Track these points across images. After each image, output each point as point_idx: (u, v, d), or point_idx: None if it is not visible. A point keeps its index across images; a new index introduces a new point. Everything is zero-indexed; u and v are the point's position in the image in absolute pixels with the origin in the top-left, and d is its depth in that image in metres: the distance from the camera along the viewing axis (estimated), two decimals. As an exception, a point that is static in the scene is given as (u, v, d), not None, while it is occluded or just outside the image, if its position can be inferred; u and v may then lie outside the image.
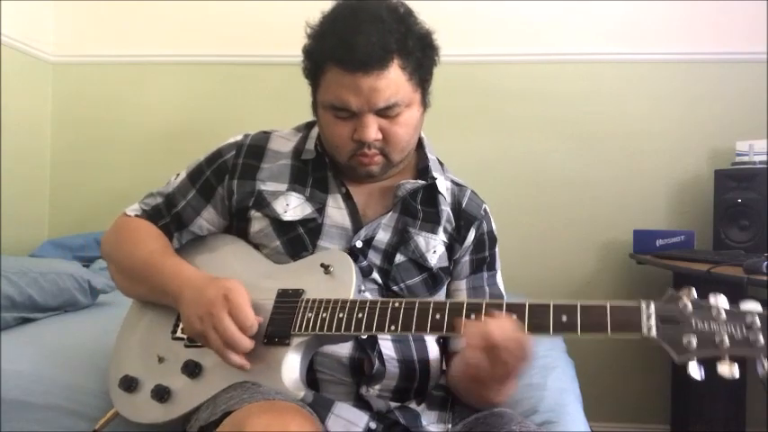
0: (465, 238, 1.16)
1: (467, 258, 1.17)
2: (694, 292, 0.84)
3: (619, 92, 2.36)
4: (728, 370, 0.80)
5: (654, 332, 0.82)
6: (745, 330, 0.80)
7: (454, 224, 1.16)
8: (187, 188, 1.19)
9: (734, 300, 0.84)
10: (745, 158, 2.11)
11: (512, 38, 2.40)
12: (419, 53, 1.08)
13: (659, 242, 2.15)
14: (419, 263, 1.11)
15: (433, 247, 1.13)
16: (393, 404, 1.07)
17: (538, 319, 0.88)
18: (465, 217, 1.17)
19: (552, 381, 1.38)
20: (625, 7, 2.36)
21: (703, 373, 0.81)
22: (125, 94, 2.54)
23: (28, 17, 2.41)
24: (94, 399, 1.28)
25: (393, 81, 1.03)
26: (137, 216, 1.20)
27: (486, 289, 1.18)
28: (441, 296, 1.16)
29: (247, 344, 0.96)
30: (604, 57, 2.36)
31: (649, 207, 2.34)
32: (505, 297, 1.20)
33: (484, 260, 1.19)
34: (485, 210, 1.21)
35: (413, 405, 1.08)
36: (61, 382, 1.34)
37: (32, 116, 2.49)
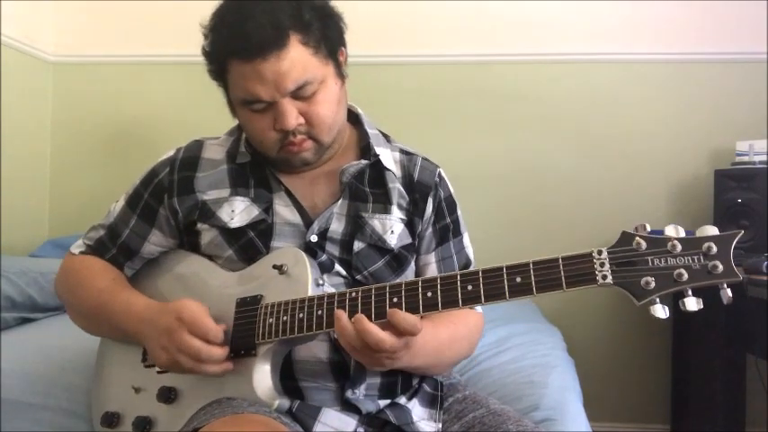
0: (424, 210, 1.12)
1: (430, 231, 1.13)
2: (648, 227, 0.80)
3: (619, 92, 2.36)
4: (693, 303, 0.76)
5: (609, 279, 0.79)
6: (702, 258, 0.76)
7: (408, 198, 1.12)
8: (128, 216, 1.15)
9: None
10: (745, 158, 2.11)
11: (512, 38, 2.40)
12: (318, 23, 1.01)
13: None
14: (379, 246, 1.07)
15: (390, 227, 1.08)
16: (382, 403, 1.04)
17: (493, 286, 0.86)
18: (419, 189, 1.13)
19: (554, 379, 1.38)
20: (624, 7, 2.36)
21: (667, 311, 0.77)
22: (125, 94, 2.54)
23: (28, 17, 2.41)
24: (94, 398, 1.28)
25: (297, 59, 0.98)
26: (81, 253, 1.17)
27: (455, 257, 1.15)
28: (408, 275, 1.12)
29: (218, 352, 0.95)
30: (604, 57, 2.36)
31: (649, 207, 2.34)
32: (474, 261, 1.19)
33: (447, 228, 1.15)
34: (439, 175, 1.16)
35: (402, 401, 1.07)
36: (61, 382, 1.34)
37: (32, 116, 2.48)
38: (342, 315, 0.89)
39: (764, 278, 1.46)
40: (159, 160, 1.17)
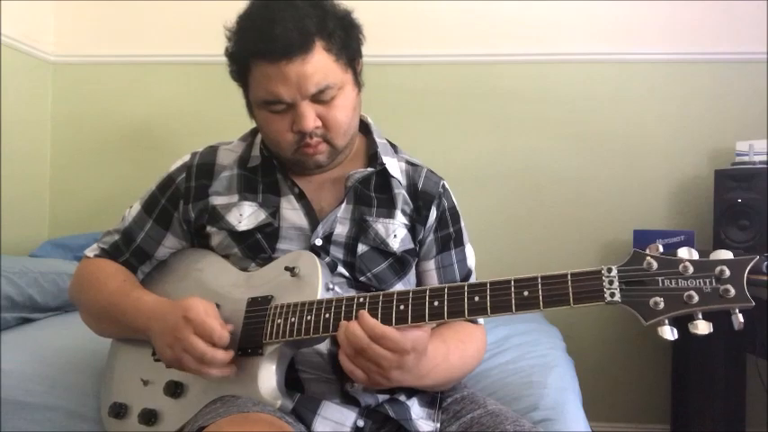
0: (426, 218, 1.16)
1: (431, 238, 1.17)
2: (660, 247, 0.79)
3: (619, 92, 2.36)
4: (703, 327, 0.75)
5: (618, 297, 0.78)
6: (714, 282, 0.75)
7: (412, 205, 1.15)
8: (143, 220, 1.18)
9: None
10: (745, 158, 2.11)
11: (512, 38, 2.39)
12: (341, 32, 1.06)
13: (659, 242, 2.15)
14: (381, 249, 1.11)
15: (393, 231, 1.12)
16: (381, 397, 1.05)
17: (500, 298, 0.86)
18: (423, 197, 1.16)
19: (553, 379, 1.38)
20: (625, 7, 2.36)
21: (676, 333, 0.76)
22: (125, 94, 2.54)
23: (28, 17, 2.41)
24: (94, 399, 1.27)
25: (320, 64, 1.02)
26: (96, 256, 1.20)
27: (456, 266, 1.18)
28: (410, 278, 1.16)
29: (221, 356, 0.95)
30: (604, 57, 2.36)
31: (649, 207, 2.34)
32: (474, 272, 1.21)
33: (449, 237, 1.18)
34: (443, 186, 1.20)
35: (402, 398, 1.07)
36: (61, 382, 1.34)
37: (32, 116, 2.48)
38: (343, 322, 0.91)
39: (764, 278, 1.46)
40: (175, 166, 1.20)
